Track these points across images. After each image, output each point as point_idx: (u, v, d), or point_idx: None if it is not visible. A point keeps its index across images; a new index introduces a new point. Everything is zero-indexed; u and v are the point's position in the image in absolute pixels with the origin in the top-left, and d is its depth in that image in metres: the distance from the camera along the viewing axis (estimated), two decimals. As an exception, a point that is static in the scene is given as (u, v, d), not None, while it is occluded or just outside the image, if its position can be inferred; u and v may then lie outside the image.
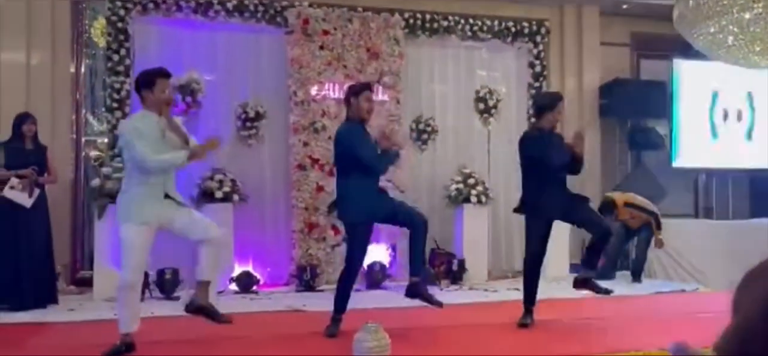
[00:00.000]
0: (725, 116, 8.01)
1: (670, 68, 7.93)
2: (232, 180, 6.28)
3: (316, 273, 6.40)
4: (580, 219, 4.51)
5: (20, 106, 5.86)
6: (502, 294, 6.02)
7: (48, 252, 5.51)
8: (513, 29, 7.55)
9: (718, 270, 6.58)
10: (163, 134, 3.62)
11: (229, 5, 6.65)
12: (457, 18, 7.38)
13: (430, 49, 7.41)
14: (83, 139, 6.70)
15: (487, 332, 4.41)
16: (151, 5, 6.48)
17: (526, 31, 7.61)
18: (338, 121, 6.71)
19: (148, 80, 3.64)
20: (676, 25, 5.39)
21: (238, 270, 6.30)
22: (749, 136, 8.20)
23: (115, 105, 6.37)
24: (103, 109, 6.61)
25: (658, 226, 6.69)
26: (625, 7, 7.99)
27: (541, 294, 5.78)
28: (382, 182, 4.50)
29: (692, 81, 7.95)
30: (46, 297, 5.41)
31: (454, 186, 6.98)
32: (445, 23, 7.35)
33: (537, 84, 7.64)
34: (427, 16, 7.26)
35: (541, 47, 7.67)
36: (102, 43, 6.66)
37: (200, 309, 3.63)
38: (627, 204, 6.73)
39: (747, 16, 4.69)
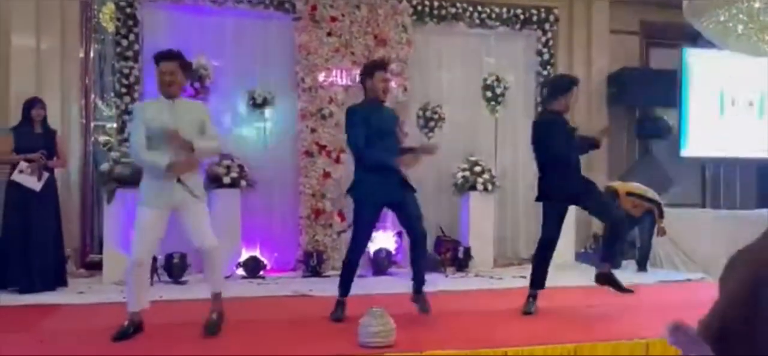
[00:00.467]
0: (733, 103, 7.94)
1: (680, 57, 7.88)
2: (240, 166, 6.31)
3: (323, 259, 6.43)
4: (594, 206, 4.51)
5: (30, 90, 5.90)
6: (507, 282, 6.04)
7: (58, 235, 5.57)
8: (521, 17, 7.52)
9: (724, 259, 6.54)
10: (174, 121, 3.60)
11: (238, -9, 6.65)
12: (464, 5, 7.36)
13: (438, 37, 7.40)
14: (92, 124, 6.76)
15: (492, 319, 4.44)
16: (159, -10, 6.50)
17: (535, 18, 7.58)
18: (345, 107, 6.73)
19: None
20: (685, 14, 5.35)
21: (245, 255, 6.35)
22: (761, 113, 8.08)
23: (124, 90, 6.40)
24: (112, 94, 6.65)
25: (661, 215, 6.70)
26: (634, -5, 7.94)
27: (545, 282, 5.81)
28: None
29: (702, 70, 7.90)
30: (56, 280, 5.48)
31: (460, 174, 6.99)
32: (453, 10, 7.33)
33: (545, 72, 7.61)
34: (435, 3, 7.24)
35: (549, 35, 7.64)
36: (111, 28, 6.68)
37: (214, 325, 3.74)
38: (629, 194, 6.73)
39: (757, 4, 4.65)
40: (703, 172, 8.59)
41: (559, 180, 4.34)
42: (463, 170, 7.00)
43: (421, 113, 7.14)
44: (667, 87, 7.81)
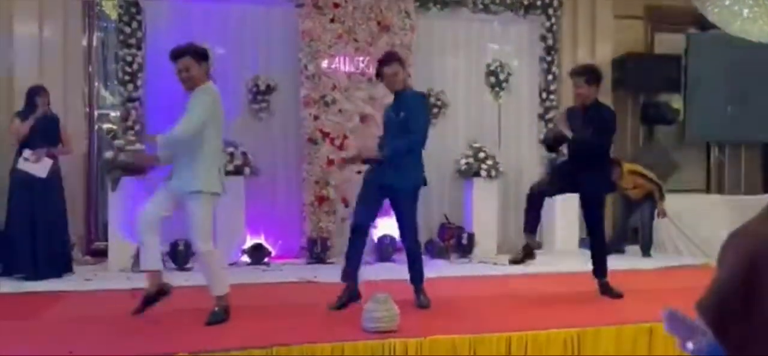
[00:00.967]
0: (738, 88, 7.88)
1: (685, 42, 7.83)
2: (244, 154, 6.32)
3: (327, 246, 6.45)
4: (587, 216, 4.72)
5: (33, 78, 5.91)
6: (510, 269, 6.02)
7: (63, 222, 5.61)
8: (525, 2, 7.47)
9: (728, 245, 6.56)
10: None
11: (240, -22, 6.63)
12: (468, -10, 7.31)
13: (442, 22, 7.36)
14: (96, 112, 6.77)
15: (496, 304, 4.46)
16: (162, -23, 6.48)
17: (539, 3, 7.53)
18: (349, 94, 6.75)
19: None
20: (690, -3, 5.31)
21: (249, 243, 6.38)
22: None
23: (127, 78, 6.41)
24: (116, 82, 6.65)
25: (661, 196, 6.75)
26: (639, -21, 7.88)
27: (549, 268, 5.83)
28: None
29: (707, 55, 7.85)
30: (62, 266, 5.53)
31: (464, 160, 6.99)
32: (457, -4, 7.29)
33: (549, 58, 7.58)
34: (439, -11, 7.20)
35: (553, 20, 7.59)
36: (114, 15, 6.68)
37: (215, 315, 3.78)
38: (632, 172, 6.80)
39: (763, -13, 4.61)
40: (708, 157, 8.56)
41: (568, 161, 4.75)
42: (467, 156, 7.00)
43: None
44: (672, 72, 7.77)
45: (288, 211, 6.79)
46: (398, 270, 5.64)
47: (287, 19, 6.79)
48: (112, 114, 6.89)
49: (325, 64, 6.70)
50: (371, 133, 6.18)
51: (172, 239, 5.87)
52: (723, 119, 7.92)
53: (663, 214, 6.77)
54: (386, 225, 6.57)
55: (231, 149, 6.27)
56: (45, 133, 5.47)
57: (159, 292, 3.83)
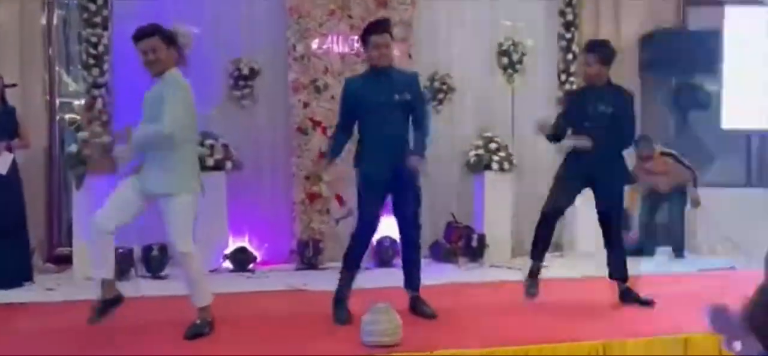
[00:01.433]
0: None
1: (722, 17, 7.84)
2: (225, 146, 6.32)
3: (319, 250, 6.47)
4: (603, 213, 4.70)
5: (-15, 63, 5.91)
6: (526, 274, 6.06)
7: (22, 225, 5.61)
8: (541, -28, 7.48)
9: (772, 245, 6.59)
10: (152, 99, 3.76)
11: (219, -53, 6.62)
12: (477, -40, 7.32)
13: (447, -4, 7.36)
14: (58, 101, 6.76)
15: (510, 314, 4.47)
16: (130, -52, 6.46)
17: (557, -27, 7.54)
18: (343, 78, 6.73)
19: None
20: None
21: (232, 246, 6.39)
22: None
23: (92, 61, 6.39)
24: (79, 67, 6.64)
25: (695, 183, 6.84)
26: (670, -54, 7.88)
27: (570, 272, 5.84)
28: None
29: (747, 31, 7.86)
30: (21, 274, 5.53)
31: (473, 152, 6.99)
32: (464, -34, 7.29)
33: (568, 35, 7.58)
34: (443, -42, 7.20)
35: (573, -7, 7.59)
36: (76, -10, 6.67)
37: (194, 328, 3.78)
38: (664, 154, 6.89)
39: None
40: (749, 147, 8.57)
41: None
42: (477, 147, 7.00)
43: (428, 84, 7.11)
44: (708, 51, 7.77)
45: (275, 211, 6.80)
46: (400, 277, 5.66)
47: (273, -6, 6.79)
48: (76, 102, 6.88)
49: (315, 44, 6.70)
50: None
51: (144, 243, 5.88)
52: (765, 104, 7.93)
53: (697, 203, 6.81)
54: (385, 227, 6.59)
55: (210, 141, 6.27)
56: (0, 126, 5.46)
57: (116, 299, 3.82)
